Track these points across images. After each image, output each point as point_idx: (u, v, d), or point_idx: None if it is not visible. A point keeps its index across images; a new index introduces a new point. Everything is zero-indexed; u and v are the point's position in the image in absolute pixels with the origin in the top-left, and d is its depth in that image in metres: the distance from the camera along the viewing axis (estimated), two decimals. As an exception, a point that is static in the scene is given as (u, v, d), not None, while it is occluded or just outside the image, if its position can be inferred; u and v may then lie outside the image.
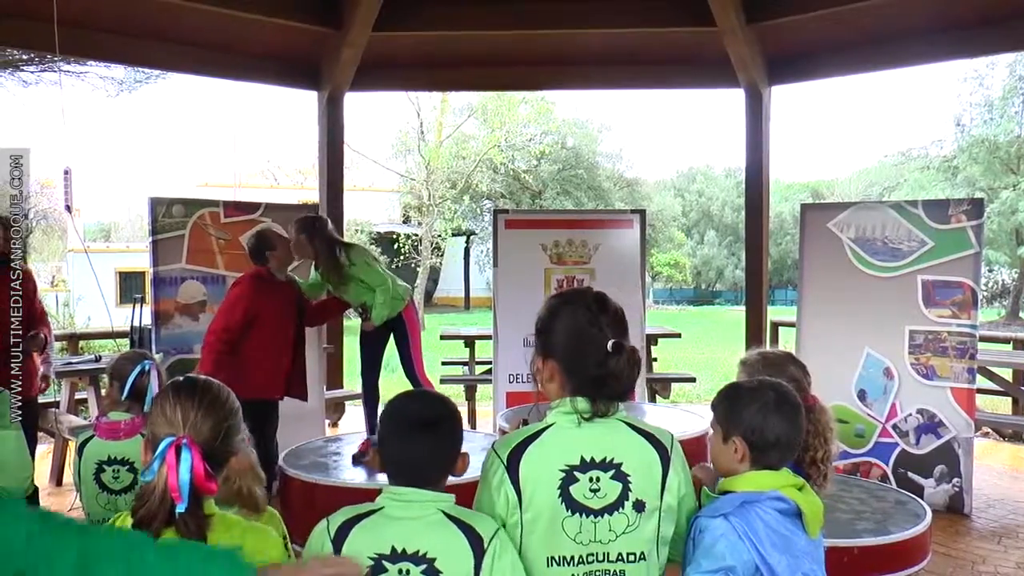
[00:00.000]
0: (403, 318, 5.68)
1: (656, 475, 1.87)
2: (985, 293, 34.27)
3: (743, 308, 7.87)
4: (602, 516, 1.83)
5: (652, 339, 8.85)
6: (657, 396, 8.67)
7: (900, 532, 4.27)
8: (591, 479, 1.83)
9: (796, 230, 7.39)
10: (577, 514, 1.82)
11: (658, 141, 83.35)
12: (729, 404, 2.17)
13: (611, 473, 1.84)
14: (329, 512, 1.92)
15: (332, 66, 7.35)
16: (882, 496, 4.93)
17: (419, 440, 1.89)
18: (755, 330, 7.42)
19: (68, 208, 5.45)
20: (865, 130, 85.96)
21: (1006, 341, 9.51)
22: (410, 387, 5.67)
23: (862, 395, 6.12)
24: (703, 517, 2.01)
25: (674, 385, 8.99)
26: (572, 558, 1.83)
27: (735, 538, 1.94)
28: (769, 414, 2.09)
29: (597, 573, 1.84)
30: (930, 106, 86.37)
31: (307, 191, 24.22)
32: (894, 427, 5.99)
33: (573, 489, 1.82)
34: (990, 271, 35.76)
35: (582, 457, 1.84)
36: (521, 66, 8.00)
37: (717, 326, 24.06)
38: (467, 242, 31.98)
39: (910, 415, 5.94)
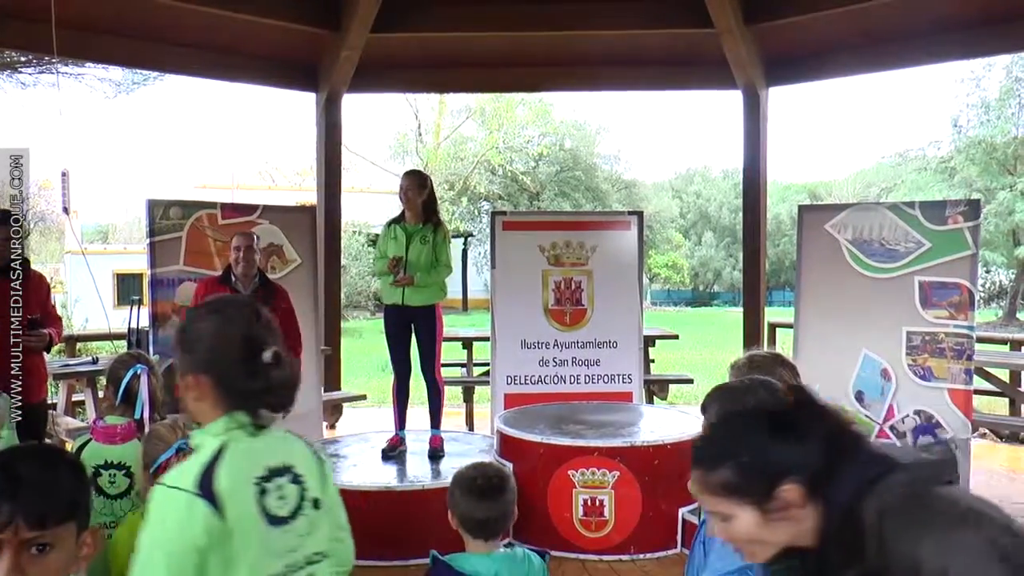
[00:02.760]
0: (436, 314, 5.73)
1: (316, 471, 1.90)
2: (982, 294, 34.31)
3: (741, 309, 7.87)
4: (290, 522, 1.79)
5: (650, 340, 8.86)
6: (655, 397, 8.67)
7: (898, 533, 4.28)
8: (277, 487, 1.79)
9: (794, 231, 7.40)
10: (274, 525, 1.76)
11: (656, 143, 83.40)
12: (722, 404, 2.14)
13: (289, 478, 1.82)
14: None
15: (330, 68, 7.36)
16: (880, 497, 4.95)
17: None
18: (753, 331, 7.43)
19: (66, 210, 5.45)
20: (863, 131, 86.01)
21: (1003, 342, 9.53)
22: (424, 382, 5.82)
23: (859, 396, 6.12)
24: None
25: (672, 386, 8.99)
26: (278, 572, 1.77)
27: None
28: None
29: None
30: (927, 107, 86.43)
31: (305, 192, 24.21)
32: (891, 428, 5.99)
33: (266, 501, 1.76)
34: (987, 272, 35.79)
35: (266, 467, 1.79)
36: (519, 67, 8.01)
37: (715, 327, 24.06)
38: (465, 244, 31.98)
39: (907, 416, 5.94)
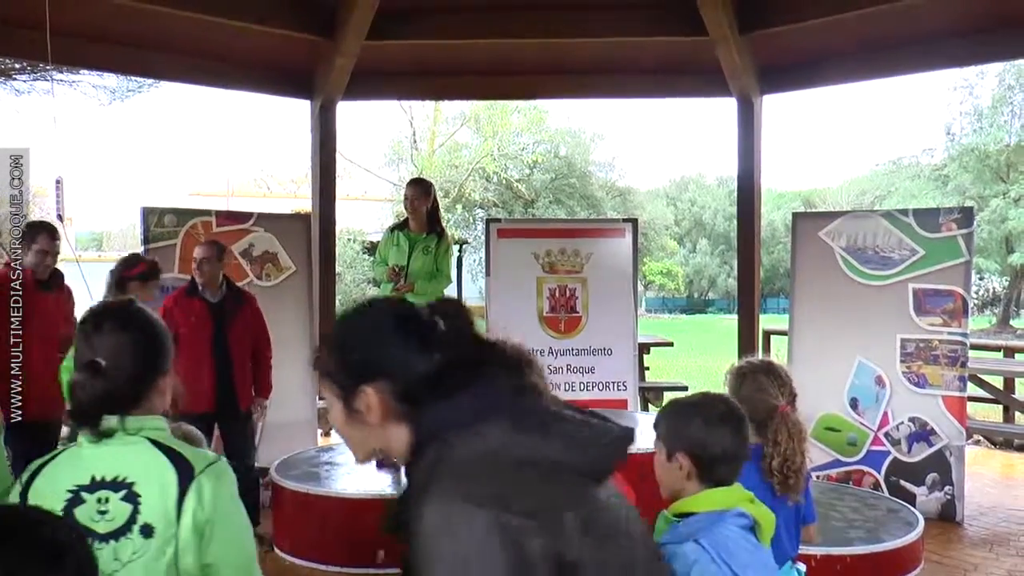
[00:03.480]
0: None
1: (172, 497, 1.68)
2: (976, 301, 34.40)
3: (736, 317, 7.88)
4: (108, 541, 1.66)
5: (644, 348, 8.87)
6: (650, 405, 8.67)
7: (893, 540, 4.29)
8: (99, 500, 1.67)
9: (788, 239, 7.41)
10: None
11: (650, 150, 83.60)
12: (671, 420, 2.10)
13: (122, 494, 1.68)
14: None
15: (325, 75, 7.35)
16: (874, 504, 4.96)
17: None
18: (747, 339, 7.43)
19: (60, 217, 5.44)
20: (857, 139, 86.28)
21: (997, 349, 9.57)
22: None
23: (854, 403, 6.14)
24: (669, 544, 1.89)
25: (667, 394, 8.99)
26: None
27: (709, 562, 1.84)
28: (712, 427, 2.02)
29: None
30: (921, 115, 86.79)
31: (300, 200, 24.17)
32: (886, 435, 6.00)
33: (78, 511, 1.66)
34: (980, 279, 35.97)
35: (92, 476, 1.69)
36: (514, 75, 8.01)
37: (710, 335, 24.08)
38: (460, 251, 31.75)
39: (902, 423, 5.96)
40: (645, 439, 5.19)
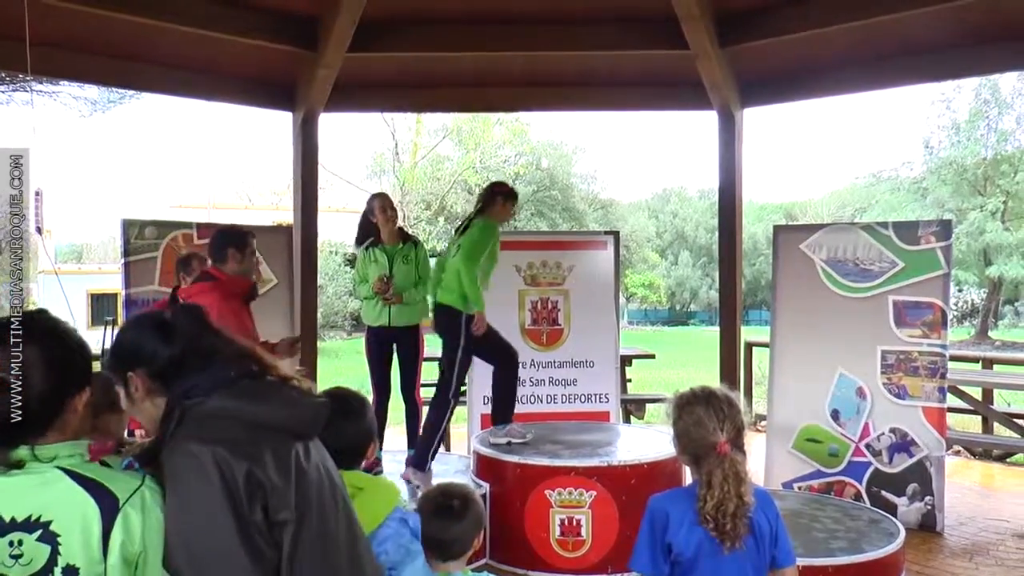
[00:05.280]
0: (419, 335, 5.74)
1: (95, 535, 1.54)
2: (955, 313, 34.71)
3: (717, 329, 7.90)
4: None
5: (627, 360, 8.88)
6: (632, 417, 8.67)
7: (874, 551, 4.30)
8: (11, 543, 1.51)
9: (769, 251, 7.44)
10: None
11: (632, 162, 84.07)
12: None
13: (37, 534, 1.52)
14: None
15: (307, 87, 7.33)
16: (856, 515, 4.97)
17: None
18: (729, 351, 7.44)
19: (39, 229, 5.41)
20: (837, 152, 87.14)
21: (975, 360, 9.62)
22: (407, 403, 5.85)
23: (835, 415, 6.16)
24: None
25: (649, 406, 8.99)
26: None
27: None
28: None
29: None
30: (900, 128, 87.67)
31: (282, 212, 24.15)
32: (867, 446, 6.02)
33: None
34: (959, 291, 36.28)
35: (1, 517, 1.53)
36: (496, 87, 8.02)
37: (692, 347, 24.12)
38: (441, 263, 31.92)
39: (883, 434, 5.98)
40: (627, 453, 5.17)
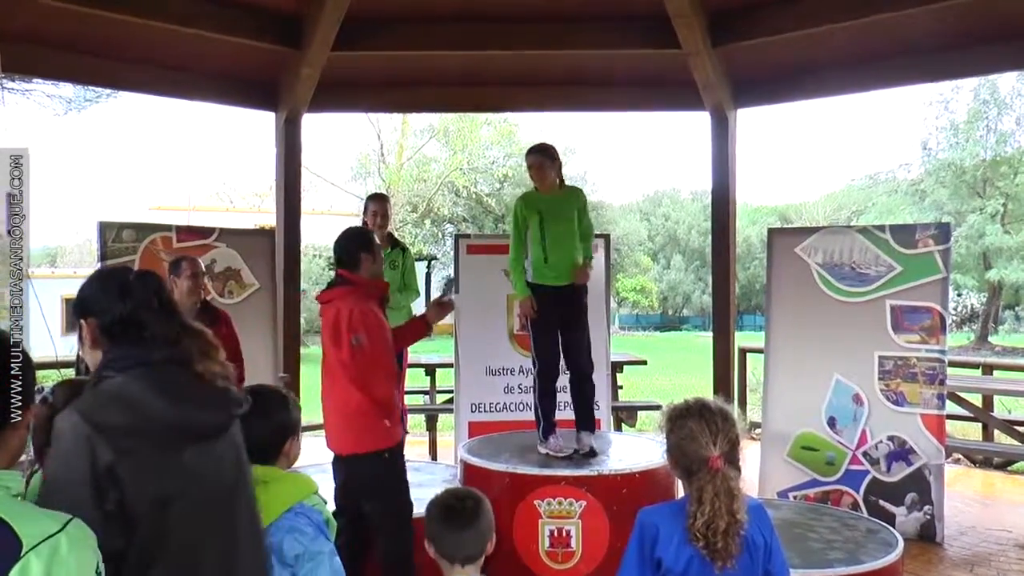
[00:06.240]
0: None
1: None
2: (954, 318, 34.70)
3: (711, 334, 7.77)
4: None
5: (618, 366, 8.73)
6: (623, 425, 8.54)
7: (872, 562, 4.21)
8: None
9: (764, 254, 7.32)
10: None
11: (623, 164, 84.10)
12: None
13: None
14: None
15: (290, 86, 7.18)
16: (853, 525, 4.87)
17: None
18: (723, 356, 7.32)
19: (9, 232, 5.24)
20: (833, 153, 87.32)
21: (975, 366, 9.53)
22: None
23: (832, 422, 6.04)
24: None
25: (640, 413, 8.86)
26: None
27: None
28: None
29: None
30: (897, 129, 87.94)
31: (264, 214, 23.96)
32: (864, 454, 5.91)
33: None
34: (958, 296, 36.27)
35: None
36: (484, 87, 7.89)
37: (685, 352, 24.07)
38: (428, 267, 31.78)
39: (880, 442, 5.87)
40: (618, 462, 5.02)
